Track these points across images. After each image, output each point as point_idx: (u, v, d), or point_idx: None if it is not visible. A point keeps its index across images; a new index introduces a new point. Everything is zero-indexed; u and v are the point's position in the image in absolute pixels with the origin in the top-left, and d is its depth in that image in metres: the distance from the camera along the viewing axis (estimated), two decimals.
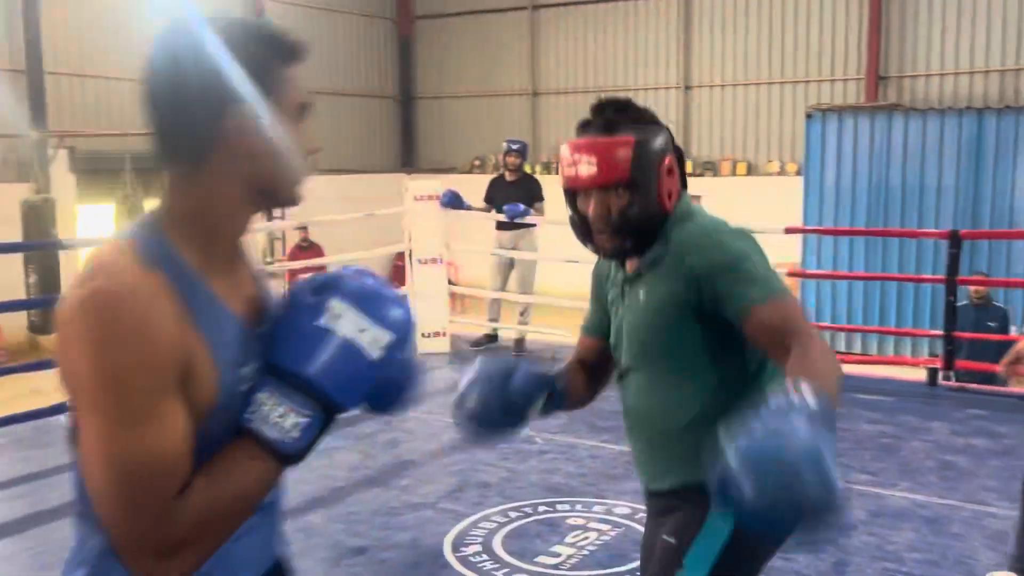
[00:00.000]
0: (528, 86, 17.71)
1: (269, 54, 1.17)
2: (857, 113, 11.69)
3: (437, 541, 3.73)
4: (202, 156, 1.14)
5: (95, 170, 12.73)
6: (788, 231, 6.88)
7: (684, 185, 1.90)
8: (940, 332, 5.90)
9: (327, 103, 17.32)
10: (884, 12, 14.09)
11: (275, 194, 1.22)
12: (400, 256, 17.43)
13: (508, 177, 7.38)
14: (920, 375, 6.59)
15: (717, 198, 15.23)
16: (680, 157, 1.88)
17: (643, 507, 3.96)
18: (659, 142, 1.81)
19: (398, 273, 18.06)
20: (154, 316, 1.06)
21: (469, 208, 7.23)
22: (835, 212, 11.71)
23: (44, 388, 8.55)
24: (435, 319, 7.20)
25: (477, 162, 18.43)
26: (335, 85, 17.50)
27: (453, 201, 7.06)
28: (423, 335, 7.20)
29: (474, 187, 8.06)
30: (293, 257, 11.84)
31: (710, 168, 15.78)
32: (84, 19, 12.88)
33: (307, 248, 11.81)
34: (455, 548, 3.69)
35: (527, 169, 8.08)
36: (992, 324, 7.37)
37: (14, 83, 12.13)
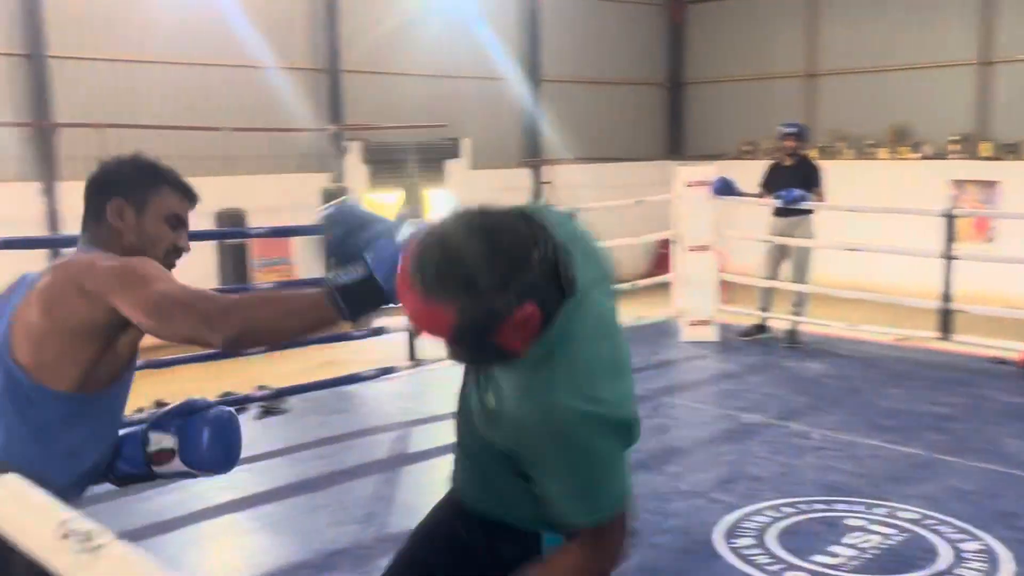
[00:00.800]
0: (802, 67, 16.95)
1: (146, 179, 1.95)
2: None
3: (708, 531, 3.69)
4: (99, 217, 1.93)
5: (383, 160, 13.72)
6: None
7: (564, 295, 1.45)
8: None
9: (593, 92, 17.52)
10: None
11: (131, 254, 1.88)
12: (665, 243, 17.38)
13: (786, 162, 7.11)
14: None
15: (1018, 183, 13.88)
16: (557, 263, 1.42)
17: (934, 513, 3.73)
18: (499, 304, 1.37)
19: (662, 261, 17.99)
20: None
21: (741, 195, 7.04)
22: None
23: (337, 360, 9.34)
24: (703, 307, 7.10)
25: (747, 147, 17.91)
26: (602, 74, 17.64)
27: (725, 188, 6.91)
28: (690, 323, 7.13)
29: (744, 173, 7.84)
30: None
31: (1012, 151, 14.32)
32: (377, 22, 13.87)
33: None
34: (727, 539, 3.63)
35: (807, 154, 7.68)
36: None
37: (316, 82, 13.32)
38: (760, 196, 7.12)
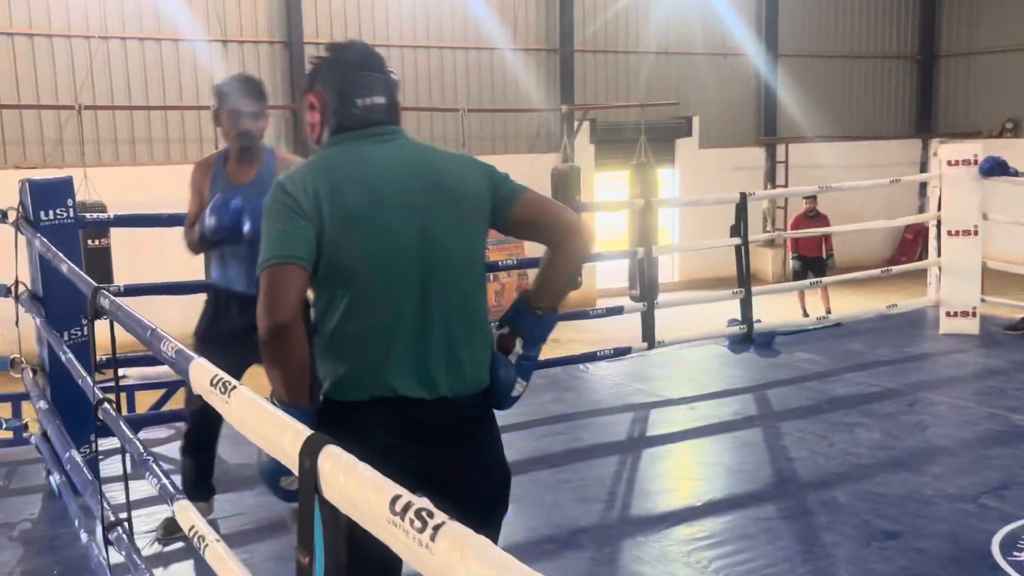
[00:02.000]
0: None
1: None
2: None
3: (983, 540, 3.36)
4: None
5: (612, 140, 13.64)
6: None
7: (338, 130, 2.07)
8: None
9: (835, 66, 16.58)
10: None
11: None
12: (910, 228, 16.19)
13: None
14: None
15: None
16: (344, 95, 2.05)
17: None
18: (306, 80, 2.13)
19: (907, 247, 16.81)
20: None
21: (1016, 175, 6.40)
22: None
23: (562, 339, 9.41)
24: (965, 297, 6.53)
25: (1010, 124, 16.37)
26: (846, 47, 16.68)
27: (996, 167, 6.30)
28: (947, 314, 6.58)
29: (1009, 153, 7.11)
30: (797, 226, 11.55)
31: None
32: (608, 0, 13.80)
33: (814, 217, 11.41)
34: (1005, 551, 3.29)
35: None
36: None
37: (548, 62, 13.42)
38: None
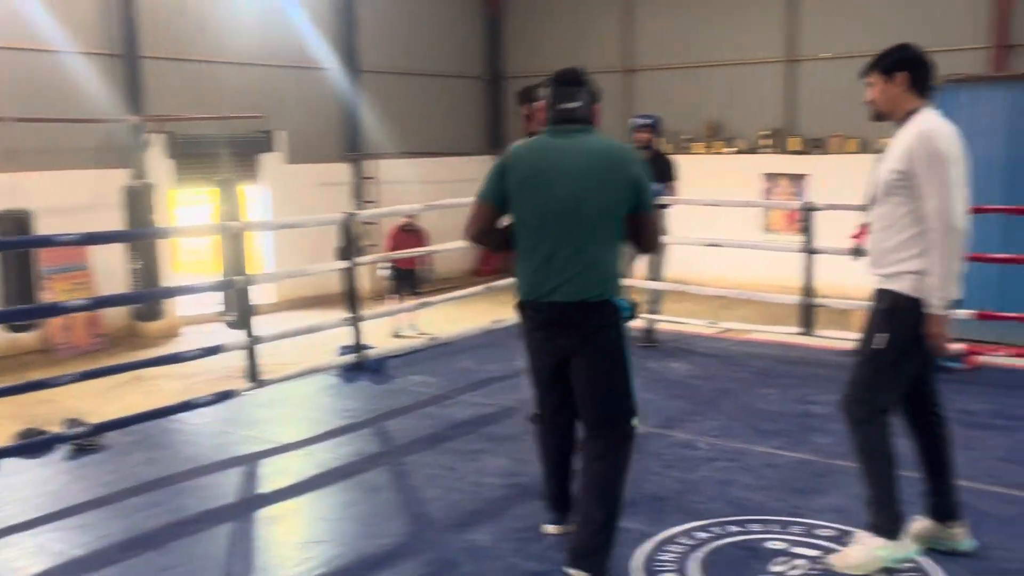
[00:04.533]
0: (619, 63, 17.10)
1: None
2: (993, 84, 10.86)
3: (623, 564, 3.29)
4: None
5: (191, 154, 12.59)
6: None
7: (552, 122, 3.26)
8: None
9: (413, 84, 16.98)
10: None
11: None
12: None
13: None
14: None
15: (825, 176, 14.55)
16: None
17: (849, 527, 3.51)
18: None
19: (489, 256, 17.69)
20: None
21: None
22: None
23: (145, 375, 8.36)
24: None
25: None
26: (421, 66, 17.14)
27: None
28: None
29: None
30: (395, 239, 11.52)
31: (818, 145, 14.99)
32: (179, 3, 12.72)
33: (411, 232, 11.44)
34: (649, 573, 3.24)
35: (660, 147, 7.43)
36: None
37: (112, 69, 12.01)
38: None
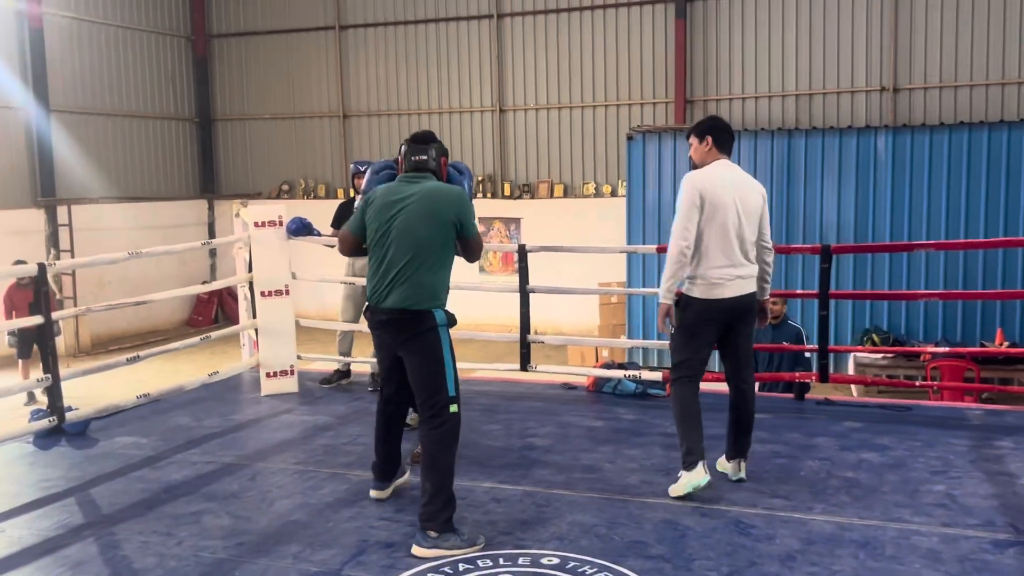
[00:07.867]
0: (337, 108, 17.12)
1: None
2: (676, 134, 12.01)
3: None
4: None
5: None
6: (659, 250, 6.75)
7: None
8: (814, 347, 6.01)
9: (116, 125, 16.01)
10: (688, 39, 14.66)
11: None
12: (227, 291, 16.18)
13: (358, 200, 6.88)
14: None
15: (535, 220, 15.36)
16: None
17: (574, 555, 3.68)
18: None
19: (203, 307, 16.85)
20: None
21: (319, 235, 6.68)
22: (658, 231, 11.96)
23: None
24: (283, 356, 6.59)
25: (285, 187, 17.59)
26: (125, 106, 16.21)
27: (302, 228, 6.50)
28: (267, 375, 6.58)
29: (299, 211, 7.50)
30: (9, 296, 10.66)
31: (528, 190, 15.80)
32: None
33: (26, 286, 10.38)
34: None
35: None
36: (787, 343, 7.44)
37: None
38: (335, 235, 6.80)
